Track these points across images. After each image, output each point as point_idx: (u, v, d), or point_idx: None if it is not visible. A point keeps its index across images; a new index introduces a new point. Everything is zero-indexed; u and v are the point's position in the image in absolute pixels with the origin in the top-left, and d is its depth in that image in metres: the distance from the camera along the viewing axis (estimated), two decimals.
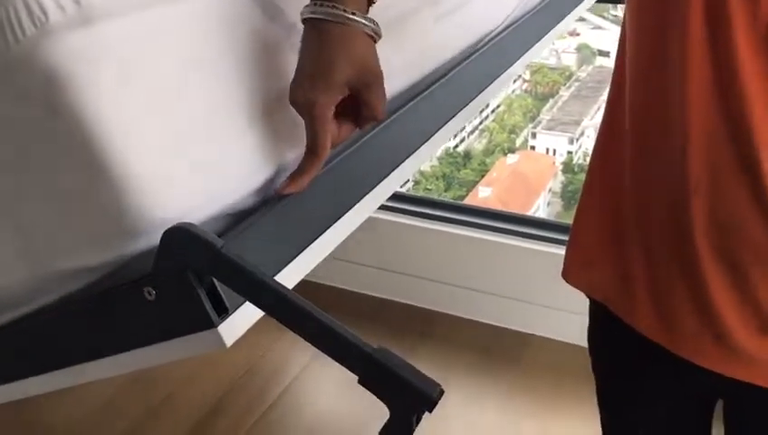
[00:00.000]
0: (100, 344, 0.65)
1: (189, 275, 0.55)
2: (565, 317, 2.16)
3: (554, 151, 3.49)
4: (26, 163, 0.64)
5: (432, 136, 0.84)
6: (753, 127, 0.74)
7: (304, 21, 0.67)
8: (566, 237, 1.00)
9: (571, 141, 3.52)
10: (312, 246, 0.65)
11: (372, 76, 0.68)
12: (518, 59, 1.04)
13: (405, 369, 0.48)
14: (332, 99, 0.66)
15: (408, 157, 0.79)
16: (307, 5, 0.66)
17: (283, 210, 0.64)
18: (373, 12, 0.67)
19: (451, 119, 0.88)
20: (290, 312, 0.50)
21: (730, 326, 0.85)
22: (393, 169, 0.77)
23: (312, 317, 0.49)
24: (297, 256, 0.63)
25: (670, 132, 0.80)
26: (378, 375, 0.48)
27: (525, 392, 2.17)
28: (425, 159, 0.83)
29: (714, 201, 0.79)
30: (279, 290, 0.51)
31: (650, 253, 0.89)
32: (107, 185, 0.60)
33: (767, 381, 0.87)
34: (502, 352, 2.26)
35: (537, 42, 1.11)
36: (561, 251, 1.00)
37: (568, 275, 1.02)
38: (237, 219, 0.66)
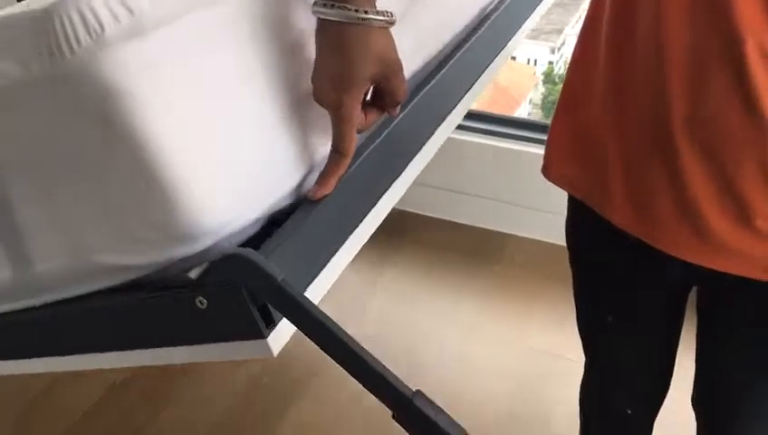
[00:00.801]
0: (143, 337, 0.69)
1: (244, 293, 0.59)
2: (543, 217, 2.26)
3: (535, 62, 3.49)
4: (79, 168, 0.65)
5: (446, 117, 0.86)
6: (737, 13, 0.73)
7: (317, 19, 0.67)
8: (545, 137, 1.02)
9: (553, 51, 3.51)
10: (343, 246, 0.68)
11: (392, 67, 0.69)
12: (520, 27, 1.05)
13: (438, 415, 0.54)
14: (357, 98, 0.67)
15: (424, 143, 0.82)
16: (317, 4, 0.66)
17: (318, 216, 0.67)
18: None
19: (463, 97, 0.90)
20: (338, 348, 0.55)
21: (709, 219, 0.87)
22: (411, 159, 0.80)
23: (357, 356, 0.54)
24: (331, 259, 0.67)
25: (649, 23, 0.80)
26: (412, 417, 0.54)
27: (503, 292, 2.28)
28: (440, 142, 0.86)
29: (694, 93, 0.80)
30: (330, 327, 0.55)
31: (628, 150, 0.90)
32: (157, 193, 0.62)
33: (745, 270, 0.90)
34: (481, 253, 2.36)
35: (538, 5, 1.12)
36: (540, 151, 1.02)
37: (548, 171, 1.05)
38: (271, 219, 0.69)
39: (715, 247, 0.90)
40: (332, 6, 0.65)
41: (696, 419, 1.23)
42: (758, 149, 0.81)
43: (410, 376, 1.71)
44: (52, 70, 0.59)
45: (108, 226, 0.67)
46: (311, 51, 0.70)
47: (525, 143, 2.28)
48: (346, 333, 0.55)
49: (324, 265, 0.65)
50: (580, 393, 1.35)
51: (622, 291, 1.11)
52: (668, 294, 1.10)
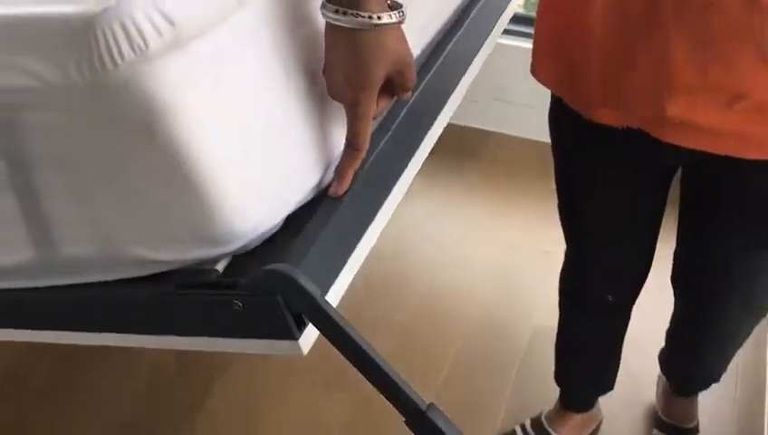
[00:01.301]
0: (175, 324, 0.74)
1: (281, 304, 0.63)
2: (524, 114, 2.30)
3: None
4: (113, 168, 0.67)
5: (448, 99, 0.89)
6: None
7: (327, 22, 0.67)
8: (529, 30, 1.06)
9: None
10: (361, 241, 0.72)
11: (405, 61, 0.71)
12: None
13: (449, 429, 0.61)
14: (373, 96, 0.70)
15: (430, 128, 0.85)
16: (327, 9, 0.66)
17: (338, 216, 0.72)
18: None
19: (460, 80, 0.92)
20: (363, 360, 0.61)
21: (696, 104, 0.93)
22: (419, 146, 0.83)
23: (380, 369, 0.61)
24: (351, 254, 0.71)
25: None
26: (425, 427, 0.62)
27: (486, 188, 2.37)
28: (444, 124, 0.89)
29: None
30: (358, 343, 0.61)
31: (616, 41, 0.96)
32: (194, 200, 0.65)
33: (731, 150, 0.97)
34: (463, 149, 2.42)
35: None
36: (524, 45, 1.07)
37: (535, 70, 1.12)
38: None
39: (702, 132, 0.96)
40: (345, 13, 0.65)
41: (675, 298, 1.34)
42: (756, 34, 0.86)
43: (395, 263, 1.84)
44: (92, 80, 0.60)
45: (141, 223, 0.70)
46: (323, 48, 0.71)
47: (507, 37, 2.27)
48: (370, 346, 0.62)
49: (346, 262, 0.70)
50: (561, 282, 1.43)
51: (607, 179, 1.16)
52: (654, 180, 1.16)
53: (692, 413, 1.65)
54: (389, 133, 0.81)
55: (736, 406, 1.74)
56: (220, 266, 0.71)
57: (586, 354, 1.53)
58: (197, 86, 0.62)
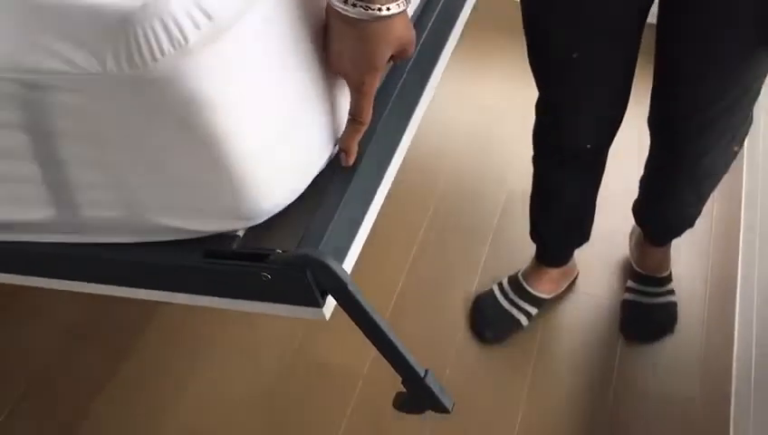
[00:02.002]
0: (200, 287, 0.81)
1: (309, 278, 0.71)
2: None
3: None
4: (145, 148, 0.69)
5: (434, 68, 0.96)
6: None
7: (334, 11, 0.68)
8: None
9: None
10: (368, 212, 0.81)
11: (408, 42, 0.76)
12: None
13: (440, 391, 0.74)
14: (377, 78, 0.75)
15: (422, 94, 0.92)
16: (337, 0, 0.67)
17: (349, 193, 0.79)
18: None
19: (444, 47, 0.98)
20: (377, 335, 0.72)
21: None
22: (413, 113, 0.90)
23: (391, 342, 0.73)
24: (361, 225, 0.80)
25: None
26: (421, 389, 0.74)
27: (458, 49, 2.35)
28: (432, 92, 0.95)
29: None
30: (375, 319, 0.71)
31: None
32: (225, 183, 0.69)
33: None
34: None
35: None
36: None
37: None
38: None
39: None
40: (354, 5, 0.67)
41: (651, 141, 1.40)
42: None
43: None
44: (130, 72, 0.60)
45: (168, 195, 0.74)
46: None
47: None
48: (385, 323, 0.73)
49: (356, 234, 0.79)
50: (535, 136, 1.45)
51: (583, 24, 1.18)
52: (629, 23, 1.19)
53: (665, 263, 1.73)
54: (388, 107, 0.87)
55: (709, 261, 1.82)
56: (240, 232, 0.78)
57: (563, 206, 1.56)
58: (231, 76, 0.64)
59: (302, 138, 0.75)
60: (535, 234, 1.67)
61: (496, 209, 1.95)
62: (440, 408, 0.77)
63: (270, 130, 0.71)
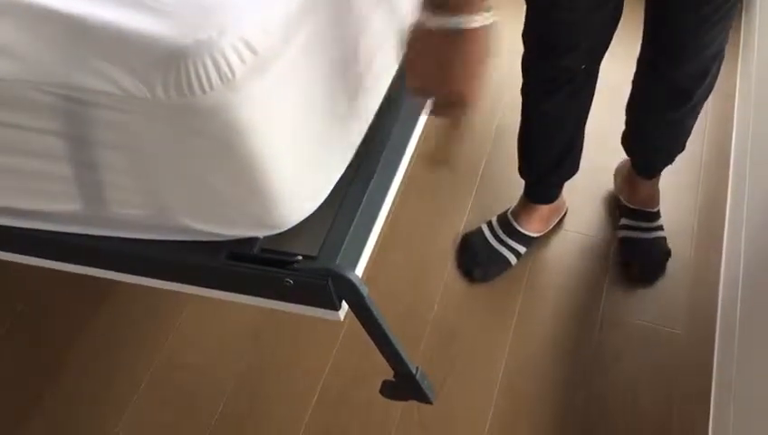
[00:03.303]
0: (224, 284, 0.86)
1: (330, 287, 0.77)
2: None
3: None
4: (180, 160, 0.73)
5: None
6: None
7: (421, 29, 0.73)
8: None
9: None
10: (377, 221, 0.88)
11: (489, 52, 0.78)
12: None
13: (428, 386, 0.83)
14: (467, 86, 0.78)
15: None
16: (428, 13, 0.73)
17: (363, 208, 0.84)
18: None
19: None
20: (383, 340, 0.81)
21: None
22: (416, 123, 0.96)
23: (392, 345, 0.81)
24: (371, 232, 0.86)
25: None
26: (410, 383, 0.82)
27: None
28: None
29: None
30: (384, 330, 0.79)
31: None
32: (259, 199, 0.74)
33: None
34: None
35: None
36: None
37: None
38: None
39: None
40: (443, 16, 0.72)
41: (642, 50, 1.41)
42: None
43: None
44: (178, 101, 0.65)
45: (198, 203, 0.79)
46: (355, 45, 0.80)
47: None
48: (388, 327, 0.81)
49: (369, 239, 0.86)
50: (528, 63, 1.43)
51: None
52: None
53: (655, 197, 1.74)
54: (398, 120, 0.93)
55: (699, 196, 1.83)
56: (261, 235, 0.84)
57: (555, 135, 1.55)
58: (271, 105, 0.69)
59: (330, 155, 0.81)
60: (525, 169, 1.66)
61: (485, 147, 1.93)
62: (425, 400, 0.86)
63: (303, 151, 0.76)
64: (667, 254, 1.74)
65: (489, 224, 1.75)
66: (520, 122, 1.57)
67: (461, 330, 1.63)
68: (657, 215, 1.76)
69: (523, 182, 1.71)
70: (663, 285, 1.70)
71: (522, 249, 1.73)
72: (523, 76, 1.46)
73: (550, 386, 1.55)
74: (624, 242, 1.75)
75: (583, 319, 1.65)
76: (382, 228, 0.89)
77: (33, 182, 0.84)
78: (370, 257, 0.86)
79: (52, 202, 0.86)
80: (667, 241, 1.75)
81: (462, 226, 1.80)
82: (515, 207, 1.75)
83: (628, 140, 1.66)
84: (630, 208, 1.76)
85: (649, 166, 1.71)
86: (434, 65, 0.76)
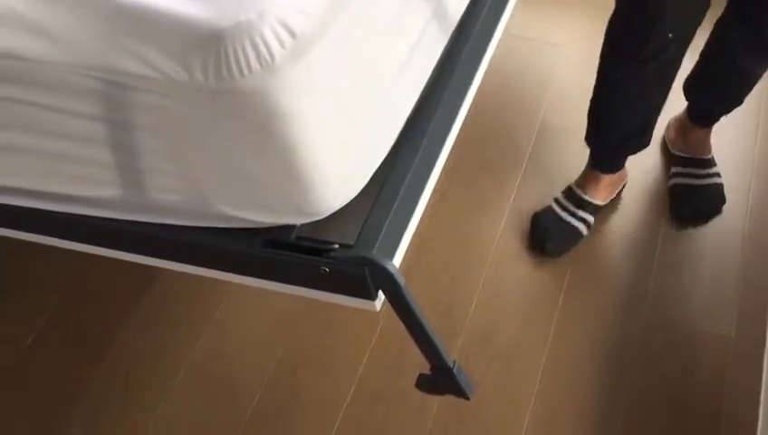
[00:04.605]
0: (260, 271, 0.86)
1: (366, 276, 0.76)
2: None
3: None
4: (225, 151, 0.73)
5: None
6: None
7: None
8: None
9: None
10: (415, 211, 0.86)
11: None
12: None
13: (465, 381, 0.81)
14: None
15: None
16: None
17: (407, 190, 0.83)
18: None
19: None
20: (420, 333, 0.79)
21: None
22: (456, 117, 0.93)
23: (430, 339, 0.80)
24: (410, 221, 0.85)
25: None
26: (448, 377, 0.81)
27: None
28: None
29: None
30: (422, 322, 0.78)
31: None
32: (299, 187, 0.74)
33: None
34: None
35: None
36: None
37: None
38: None
39: None
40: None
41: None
42: None
43: None
44: (217, 85, 0.64)
45: (237, 190, 0.78)
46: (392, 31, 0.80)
47: None
48: (426, 319, 0.79)
49: (407, 228, 0.84)
50: (610, 30, 1.43)
51: None
52: None
53: (707, 144, 1.76)
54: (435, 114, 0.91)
55: (757, 148, 1.83)
56: (298, 222, 0.82)
57: (635, 105, 1.54)
58: (310, 89, 0.68)
59: (370, 139, 0.80)
60: (601, 138, 1.66)
61: (528, 142, 1.91)
62: (462, 395, 0.84)
63: (343, 138, 0.75)
64: (721, 199, 1.75)
65: (556, 200, 1.77)
66: (595, 91, 1.57)
67: (500, 321, 1.62)
68: (711, 162, 1.77)
69: (569, 167, 1.73)
70: (711, 285, 1.67)
71: (591, 219, 1.74)
72: (606, 43, 1.46)
73: (591, 387, 1.52)
74: (673, 189, 1.77)
75: (626, 319, 1.63)
76: (422, 219, 0.88)
77: (72, 166, 0.85)
78: (409, 248, 0.85)
79: (91, 187, 0.87)
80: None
81: (503, 222, 1.79)
82: (579, 179, 1.76)
83: (692, 84, 1.68)
84: (681, 157, 1.77)
85: (707, 113, 1.72)
86: None
